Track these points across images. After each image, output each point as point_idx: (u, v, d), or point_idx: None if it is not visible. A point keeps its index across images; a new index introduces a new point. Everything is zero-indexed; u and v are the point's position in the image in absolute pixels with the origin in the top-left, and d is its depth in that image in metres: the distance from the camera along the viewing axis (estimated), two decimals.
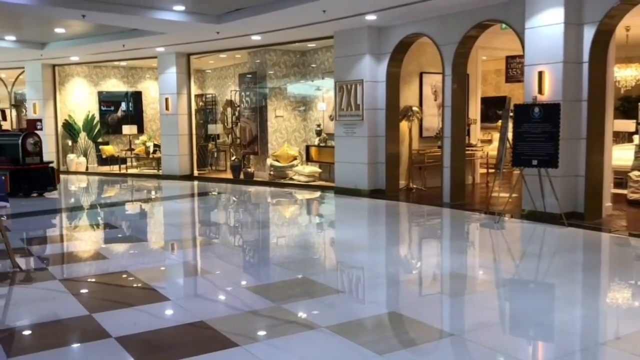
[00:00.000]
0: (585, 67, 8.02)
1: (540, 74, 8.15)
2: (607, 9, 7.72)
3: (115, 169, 17.02)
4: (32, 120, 13.19)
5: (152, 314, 4.65)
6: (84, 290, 5.37)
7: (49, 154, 15.62)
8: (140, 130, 17.96)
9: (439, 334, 4.18)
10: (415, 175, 11.81)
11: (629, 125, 12.53)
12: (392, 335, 4.25)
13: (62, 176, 14.18)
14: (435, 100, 12.08)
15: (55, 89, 17.28)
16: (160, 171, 15.89)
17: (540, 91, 8.16)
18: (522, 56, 8.76)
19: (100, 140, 17.71)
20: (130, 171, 16.84)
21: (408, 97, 11.74)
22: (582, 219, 8.08)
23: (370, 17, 10.26)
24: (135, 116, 18.29)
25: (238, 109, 15.60)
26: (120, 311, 4.69)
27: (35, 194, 11.81)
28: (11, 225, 8.43)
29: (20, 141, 11.77)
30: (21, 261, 6.29)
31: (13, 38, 13.79)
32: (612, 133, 8.80)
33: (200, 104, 17.58)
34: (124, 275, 5.81)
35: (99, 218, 10.06)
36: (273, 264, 6.44)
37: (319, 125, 13.90)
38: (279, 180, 13.50)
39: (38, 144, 12.07)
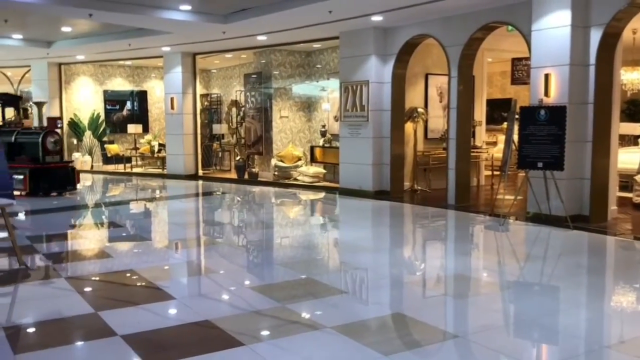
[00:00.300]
0: (592, 69, 8.00)
1: (547, 76, 8.14)
2: (614, 12, 7.71)
3: (120, 167, 17.07)
4: (52, 118, 13.08)
5: (157, 312, 4.66)
6: (89, 289, 5.40)
7: None
8: (146, 130, 18.04)
9: (443, 336, 4.18)
10: (420, 177, 11.79)
11: (635, 128, 12.51)
12: (396, 336, 4.25)
13: None
14: (441, 101, 12.07)
15: (61, 87, 17.35)
16: (165, 170, 15.93)
17: (546, 93, 8.15)
18: (528, 58, 8.75)
19: (105, 139, 17.79)
20: (135, 170, 16.90)
21: (413, 98, 11.74)
22: (588, 221, 8.06)
23: (376, 18, 10.26)
24: (141, 115, 18.36)
25: (243, 109, 15.62)
26: (126, 309, 4.71)
27: (54, 194, 11.69)
28: (22, 223, 8.46)
29: (40, 140, 11.55)
30: (27, 259, 6.31)
31: (20, 37, 13.84)
32: (618, 136, 8.77)
33: (206, 103, 17.62)
34: (129, 274, 5.83)
35: (103, 217, 10.09)
36: (277, 264, 6.46)
37: (323, 126, 13.91)
38: (284, 180, 13.51)
39: (58, 142, 11.89)
